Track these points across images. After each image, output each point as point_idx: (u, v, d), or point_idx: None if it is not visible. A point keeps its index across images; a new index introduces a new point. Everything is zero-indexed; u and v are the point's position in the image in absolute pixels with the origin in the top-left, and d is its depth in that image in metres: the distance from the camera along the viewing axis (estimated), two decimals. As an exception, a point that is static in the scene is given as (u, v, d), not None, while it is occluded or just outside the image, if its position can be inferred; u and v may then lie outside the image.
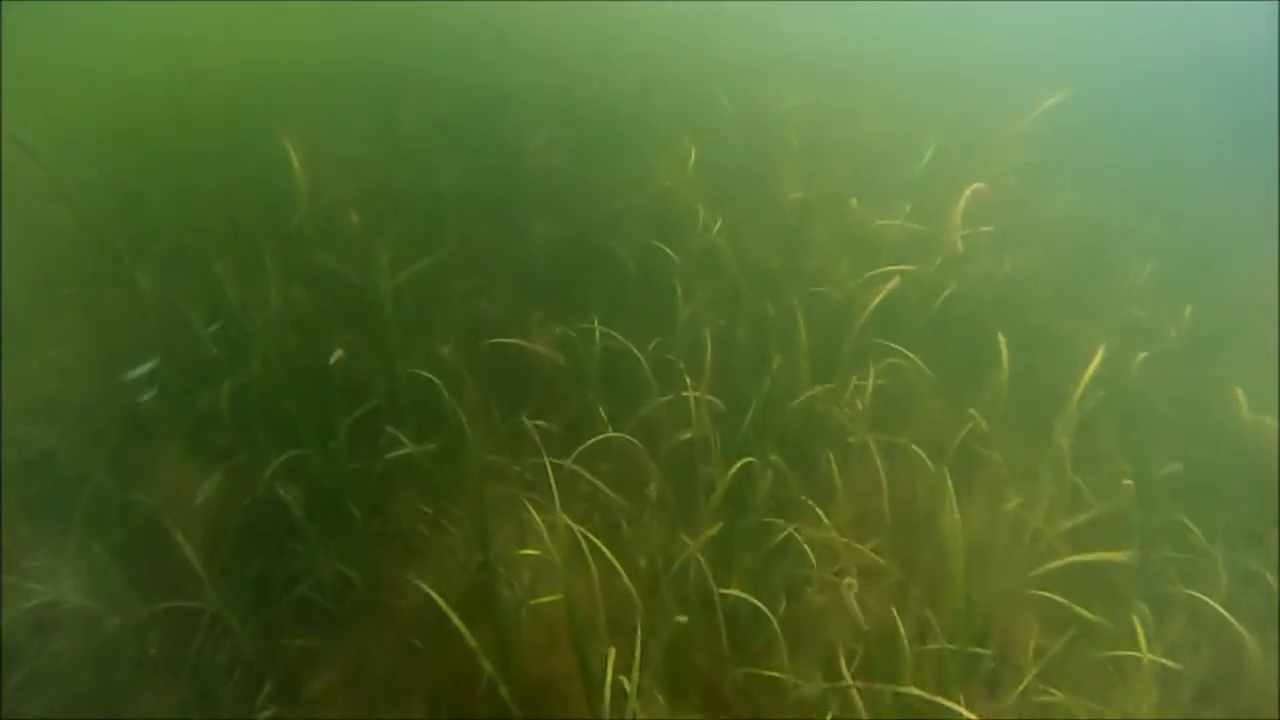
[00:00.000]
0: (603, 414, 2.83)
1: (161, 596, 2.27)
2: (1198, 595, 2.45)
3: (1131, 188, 5.88)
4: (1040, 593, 2.27)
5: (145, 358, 2.91)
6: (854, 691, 1.93)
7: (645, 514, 2.59)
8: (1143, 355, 3.49)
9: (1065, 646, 2.31)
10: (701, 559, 2.21)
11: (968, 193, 3.19)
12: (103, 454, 2.69)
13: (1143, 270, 4.46)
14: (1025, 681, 2.21)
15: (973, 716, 1.73)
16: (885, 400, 2.91)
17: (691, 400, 2.65)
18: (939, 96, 6.43)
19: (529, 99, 5.48)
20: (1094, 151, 5.99)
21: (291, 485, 2.40)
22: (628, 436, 2.71)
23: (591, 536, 2.17)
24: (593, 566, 2.13)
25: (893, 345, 3.01)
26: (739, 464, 2.39)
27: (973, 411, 2.79)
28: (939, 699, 1.77)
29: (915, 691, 1.73)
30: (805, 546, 2.43)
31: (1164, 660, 2.14)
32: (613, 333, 3.01)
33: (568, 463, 2.61)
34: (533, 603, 2.22)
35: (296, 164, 3.03)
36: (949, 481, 2.06)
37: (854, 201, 3.82)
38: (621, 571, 2.12)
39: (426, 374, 2.77)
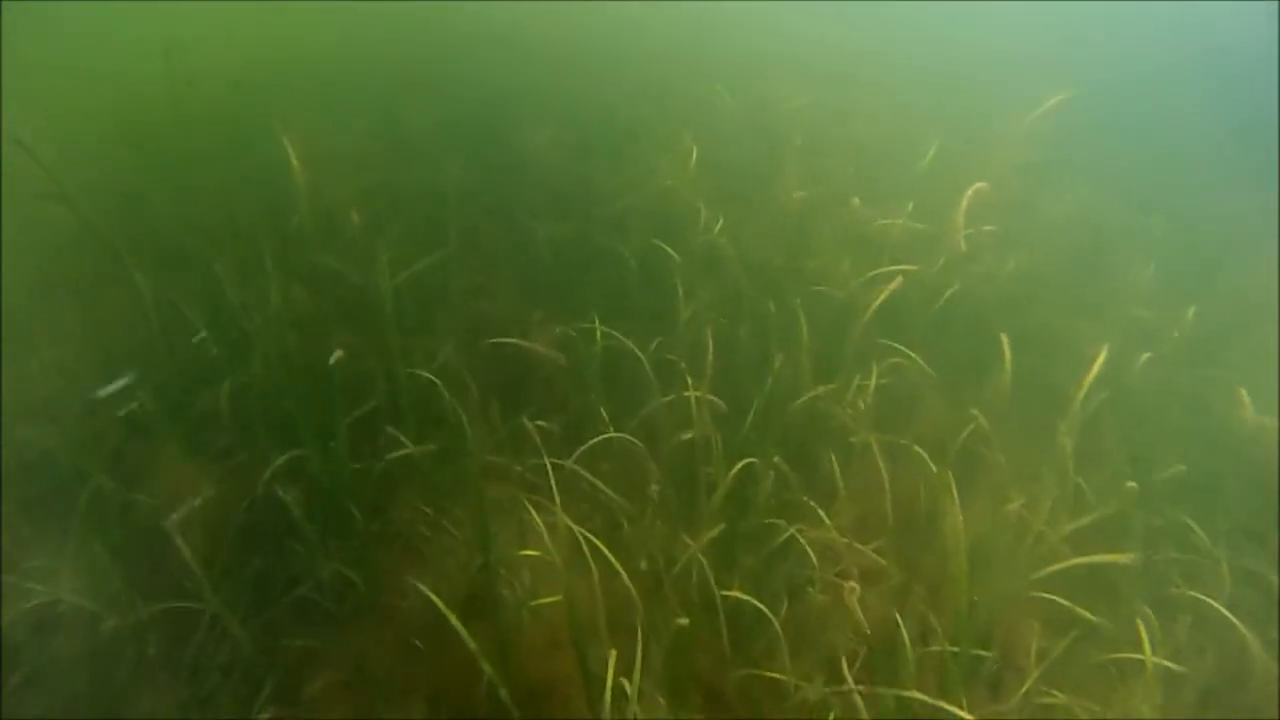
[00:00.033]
0: (604, 414, 2.82)
1: (161, 597, 2.26)
2: (1201, 597, 2.44)
3: (1134, 187, 5.86)
4: (1043, 595, 2.26)
5: (133, 364, 2.89)
6: (856, 694, 1.92)
7: (646, 514, 2.58)
8: (1146, 356, 3.48)
9: (1068, 648, 2.30)
10: (703, 560, 2.20)
11: (970, 192, 3.18)
12: (103, 454, 2.69)
13: (1146, 270, 4.45)
14: (1028, 683, 2.20)
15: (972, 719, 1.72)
16: (888, 400, 2.90)
17: (693, 400, 2.64)
18: (941, 96, 6.41)
19: (530, 98, 5.47)
20: (1097, 151, 5.98)
21: (291, 486, 2.39)
22: (629, 437, 2.70)
23: (592, 537, 2.16)
24: (593, 567, 2.12)
25: (895, 345, 3.00)
26: (740, 464, 2.38)
27: (975, 412, 2.78)
28: (941, 704, 1.77)
29: (918, 696, 1.72)
30: (807, 547, 2.42)
31: (1168, 664, 2.13)
32: (614, 332, 3.00)
33: (569, 463, 2.60)
34: (533, 604, 2.21)
35: (296, 163, 3.02)
36: (952, 482, 2.05)
37: (856, 201, 3.81)
38: (622, 572, 2.12)
39: (427, 374, 2.77)
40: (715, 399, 2.72)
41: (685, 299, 3.26)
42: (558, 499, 2.16)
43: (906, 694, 1.73)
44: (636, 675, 1.88)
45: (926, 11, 9.31)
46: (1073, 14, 9.87)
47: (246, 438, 2.72)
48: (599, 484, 2.57)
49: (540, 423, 2.80)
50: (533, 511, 2.30)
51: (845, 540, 2.49)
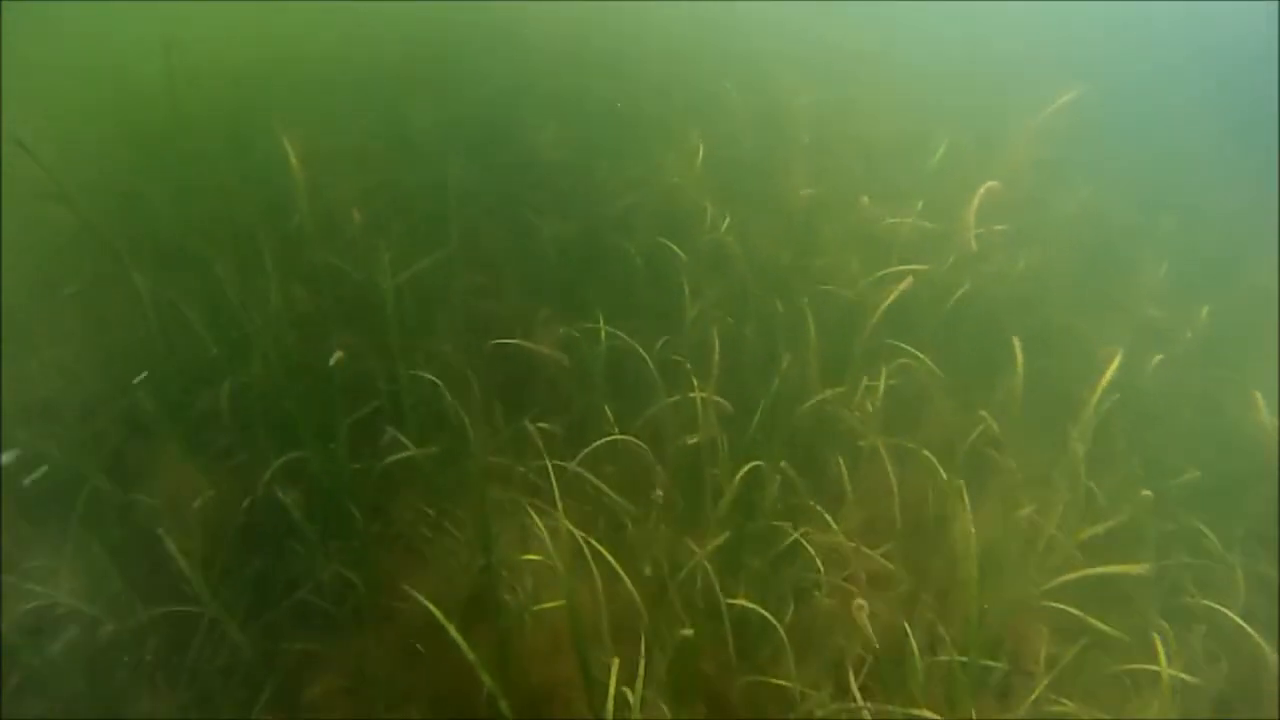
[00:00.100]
0: (608, 415, 2.79)
1: (160, 599, 2.25)
2: (1215, 606, 2.40)
3: (1146, 186, 5.79)
4: (1055, 604, 2.22)
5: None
6: (865, 711, 1.88)
7: (651, 518, 2.54)
8: (1159, 357, 3.42)
9: (1079, 656, 2.26)
10: (709, 566, 2.17)
11: (981, 190, 3.13)
12: (102, 455, 2.67)
13: (1158, 269, 4.38)
14: (1037, 691, 2.16)
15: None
16: (896, 402, 2.86)
17: (699, 401, 2.60)
18: (950, 93, 6.34)
19: (534, 95, 5.43)
20: (1108, 149, 5.90)
21: (291, 487, 2.37)
22: (633, 439, 2.67)
23: (595, 542, 2.13)
24: (596, 572, 2.10)
25: (904, 346, 2.95)
26: (747, 467, 2.34)
27: (985, 414, 2.74)
28: None
29: (928, 715, 1.68)
30: (813, 552, 2.39)
31: (1183, 675, 2.09)
32: (618, 332, 2.97)
33: (572, 465, 2.58)
34: (535, 608, 2.18)
35: (296, 162, 2.99)
36: (962, 487, 2.01)
37: (865, 199, 3.75)
38: (625, 578, 2.09)
39: (428, 375, 2.74)
40: (721, 400, 2.69)
41: (691, 298, 3.22)
42: (560, 502, 2.13)
43: (916, 712, 1.69)
44: (640, 682, 1.85)
45: (935, 9, 9.23)
46: (1082, 12, 9.79)
47: (246, 438, 2.71)
48: (603, 487, 2.54)
49: (543, 424, 2.77)
50: (535, 515, 2.27)
51: (852, 545, 2.45)
